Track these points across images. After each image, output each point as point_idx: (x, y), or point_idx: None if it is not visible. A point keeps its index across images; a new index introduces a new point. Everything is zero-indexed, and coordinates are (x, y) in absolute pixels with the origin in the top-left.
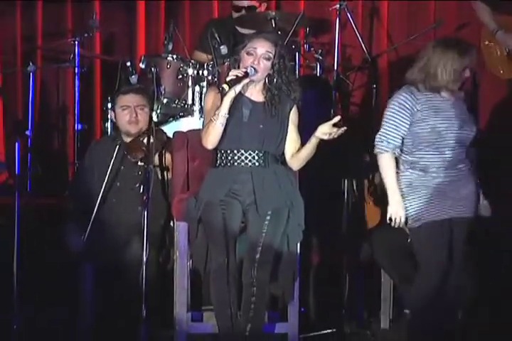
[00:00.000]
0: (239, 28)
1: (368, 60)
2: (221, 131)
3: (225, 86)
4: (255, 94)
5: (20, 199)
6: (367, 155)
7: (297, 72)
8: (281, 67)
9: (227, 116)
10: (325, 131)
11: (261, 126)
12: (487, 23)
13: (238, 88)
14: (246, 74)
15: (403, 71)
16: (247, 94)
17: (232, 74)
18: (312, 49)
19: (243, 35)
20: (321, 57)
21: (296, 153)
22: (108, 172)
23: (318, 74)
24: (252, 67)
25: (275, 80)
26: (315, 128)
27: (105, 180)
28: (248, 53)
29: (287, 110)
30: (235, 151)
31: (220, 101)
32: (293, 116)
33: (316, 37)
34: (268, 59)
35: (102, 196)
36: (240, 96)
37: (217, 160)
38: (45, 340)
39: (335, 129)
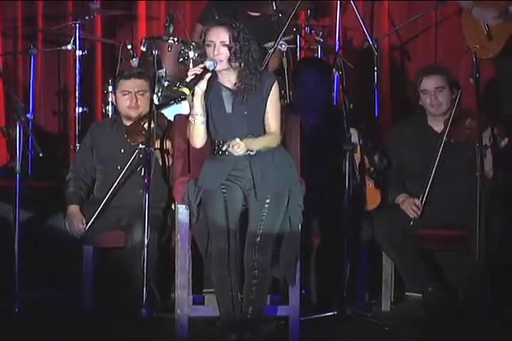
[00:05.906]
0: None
1: (369, 43)
2: (203, 129)
3: (185, 89)
4: (233, 81)
5: (20, 183)
6: (368, 139)
7: (298, 54)
8: (238, 49)
9: (203, 113)
10: None
11: (245, 112)
12: (462, 4)
13: (203, 85)
14: (206, 69)
15: (404, 53)
16: (226, 84)
17: (191, 73)
18: (313, 31)
19: (244, 18)
20: (322, 40)
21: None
22: (120, 176)
23: (319, 56)
24: (211, 60)
25: (239, 65)
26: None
27: (116, 181)
28: (208, 46)
29: (265, 89)
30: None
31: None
32: (273, 92)
33: (317, 19)
34: (226, 46)
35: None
36: (218, 88)
37: (214, 148)
38: (46, 324)
39: None
